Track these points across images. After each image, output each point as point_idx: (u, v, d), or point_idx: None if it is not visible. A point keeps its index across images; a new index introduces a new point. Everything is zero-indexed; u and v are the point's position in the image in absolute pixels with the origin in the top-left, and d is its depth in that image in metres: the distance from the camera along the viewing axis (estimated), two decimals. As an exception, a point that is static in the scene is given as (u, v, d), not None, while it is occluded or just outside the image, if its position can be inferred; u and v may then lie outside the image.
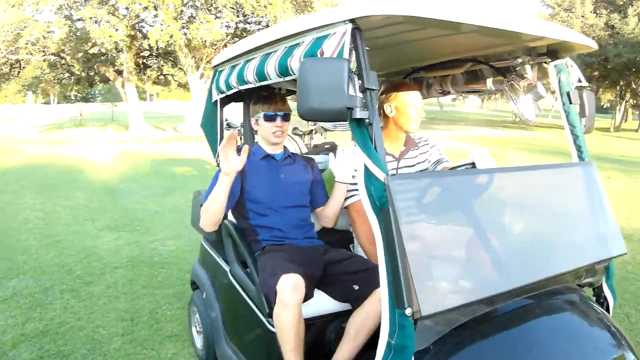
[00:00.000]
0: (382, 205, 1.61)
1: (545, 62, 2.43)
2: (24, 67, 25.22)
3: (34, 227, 6.73)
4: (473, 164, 2.16)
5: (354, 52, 1.73)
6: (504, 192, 1.96)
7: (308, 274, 2.24)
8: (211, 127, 3.16)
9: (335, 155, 2.64)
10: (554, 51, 2.35)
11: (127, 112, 24.82)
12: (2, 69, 23.60)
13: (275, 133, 2.64)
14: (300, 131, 5.64)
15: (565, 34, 2.14)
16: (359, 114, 1.65)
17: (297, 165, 2.81)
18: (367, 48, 1.80)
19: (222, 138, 3.09)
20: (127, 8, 18.94)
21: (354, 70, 1.71)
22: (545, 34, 2.06)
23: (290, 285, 2.07)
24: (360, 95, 1.67)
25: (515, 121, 25.75)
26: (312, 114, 1.65)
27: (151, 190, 9.22)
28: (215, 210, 2.38)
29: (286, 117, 2.67)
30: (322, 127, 4.76)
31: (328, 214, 2.76)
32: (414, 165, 2.73)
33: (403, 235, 1.53)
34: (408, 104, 2.55)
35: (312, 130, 5.32)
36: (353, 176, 2.58)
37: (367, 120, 1.67)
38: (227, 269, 2.84)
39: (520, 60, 2.44)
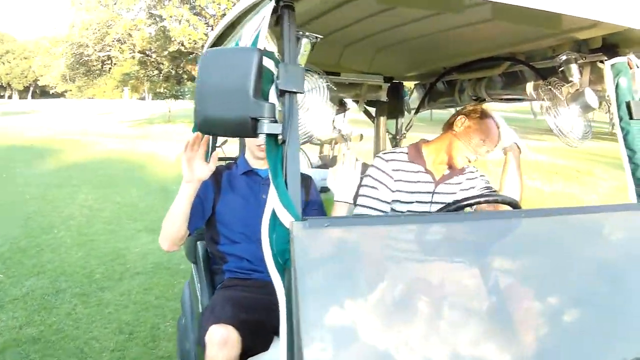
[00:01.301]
0: (286, 264, 1.08)
1: (600, 61, 1.74)
2: (115, 64, 26.68)
3: (74, 224, 6.72)
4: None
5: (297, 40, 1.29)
6: (500, 253, 1.30)
7: (262, 321, 1.81)
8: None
9: (334, 170, 2.12)
10: (612, 45, 1.68)
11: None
12: (94, 65, 25.10)
13: (260, 146, 2.20)
14: (319, 140, 5.11)
15: (627, 18, 1.47)
16: (266, 127, 1.12)
17: None
18: (317, 36, 1.28)
19: (214, 147, 2.67)
20: (204, 7, 19.35)
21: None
22: (596, 17, 1.41)
23: (217, 338, 1.67)
24: (274, 101, 1.14)
25: (612, 132, 23.44)
26: (209, 125, 1.19)
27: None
28: (173, 225, 1.99)
29: None
30: (342, 136, 4.19)
31: None
32: (454, 193, 2.22)
33: (302, 320, 0.97)
34: (479, 139, 2.07)
35: (333, 139, 4.80)
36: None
37: (279, 137, 1.13)
38: (199, 296, 2.41)
39: (564, 58, 1.77)
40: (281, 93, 1.16)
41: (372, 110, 3.14)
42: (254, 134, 1.15)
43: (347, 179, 1.98)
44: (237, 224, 2.19)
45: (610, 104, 1.75)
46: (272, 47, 1.34)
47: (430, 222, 1.26)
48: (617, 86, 1.66)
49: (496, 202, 1.70)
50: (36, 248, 5.59)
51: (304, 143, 1.45)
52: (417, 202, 2.17)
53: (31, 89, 67.96)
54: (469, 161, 2.09)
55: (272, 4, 1.22)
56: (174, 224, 1.98)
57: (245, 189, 2.25)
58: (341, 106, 3.46)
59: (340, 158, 1.93)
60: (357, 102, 3.04)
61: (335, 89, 1.49)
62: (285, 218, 1.10)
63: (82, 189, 9.01)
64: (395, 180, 2.16)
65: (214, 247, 2.26)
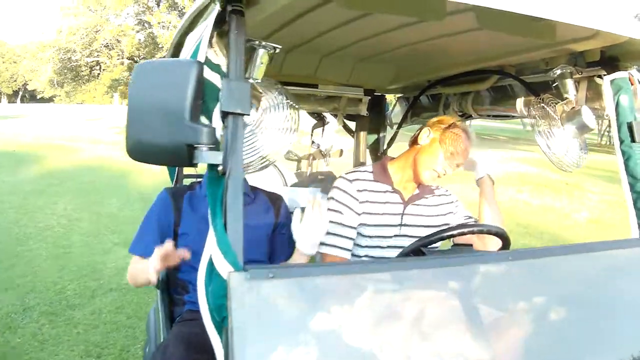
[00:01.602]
0: (223, 322, 0.90)
1: (598, 76, 1.57)
2: (103, 70, 26.43)
3: (51, 235, 6.48)
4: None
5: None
6: (481, 307, 1.10)
7: None
8: None
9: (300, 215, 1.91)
10: (612, 58, 1.51)
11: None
12: (82, 70, 24.85)
13: None
14: (296, 156, 4.90)
15: (629, 27, 1.30)
16: (204, 156, 0.92)
17: (255, 205, 2.15)
18: (275, 46, 1.10)
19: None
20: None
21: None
22: (594, 26, 1.24)
23: None
24: (215, 125, 0.94)
25: (600, 143, 23.39)
26: (141, 152, 1.00)
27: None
28: (136, 282, 1.89)
29: None
30: (320, 152, 3.98)
31: None
32: (427, 216, 2.05)
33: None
34: (448, 152, 1.89)
35: (311, 155, 4.61)
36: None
37: (219, 168, 0.94)
38: (160, 326, 2.21)
39: (558, 72, 1.59)
40: (223, 115, 0.97)
41: (353, 124, 2.97)
42: (191, 164, 0.96)
43: (313, 228, 1.78)
44: (199, 251, 1.99)
45: (605, 119, 1.57)
46: (223, 59, 1.15)
47: (399, 268, 1.05)
48: (617, 105, 1.49)
49: (481, 232, 1.52)
50: (8, 261, 5.36)
51: (261, 169, 1.26)
52: (385, 225, 2.00)
53: (20, 93, 67.34)
54: (438, 176, 1.92)
55: (217, 8, 1.03)
56: (137, 283, 1.87)
57: (207, 213, 2.05)
58: (320, 120, 3.27)
59: (311, 201, 1.73)
60: (335, 115, 2.85)
61: (297, 106, 1.30)
62: (223, 267, 0.91)
63: (63, 198, 8.74)
64: (360, 202, 1.98)
65: (175, 274, 2.06)
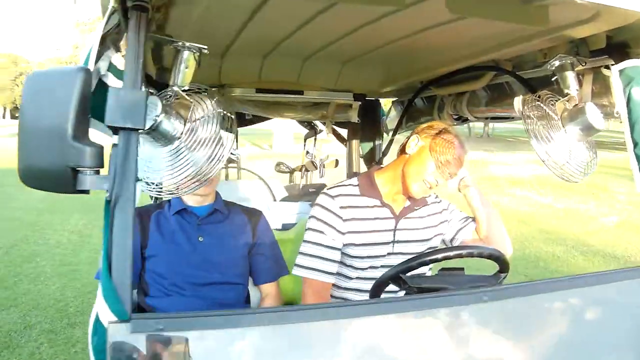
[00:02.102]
0: None
1: (605, 66, 1.34)
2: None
3: (60, 251, 6.43)
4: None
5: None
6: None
7: None
8: None
9: None
10: (620, 44, 1.27)
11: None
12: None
13: None
14: (287, 168, 4.70)
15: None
16: (89, 182, 0.74)
17: (229, 223, 1.98)
18: (202, 47, 0.92)
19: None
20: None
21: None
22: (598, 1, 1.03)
23: None
24: (102, 143, 0.76)
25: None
26: (31, 177, 0.85)
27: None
28: None
29: None
30: (312, 163, 3.76)
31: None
32: (421, 229, 1.86)
33: None
34: (439, 161, 1.69)
35: (303, 166, 4.41)
36: None
37: (106, 196, 0.75)
38: None
39: (557, 63, 1.36)
40: (113, 130, 0.78)
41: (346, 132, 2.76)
42: (76, 190, 0.77)
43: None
44: (168, 274, 1.84)
45: (615, 117, 1.34)
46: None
47: (351, 315, 0.83)
48: (628, 99, 1.25)
49: (471, 255, 1.30)
50: (14, 278, 5.29)
51: (187, 193, 1.06)
52: (376, 243, 1.80)
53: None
54: (430, 188, 1.71)
55: (112, 3, 0.84)
56: None
57: (177, 231, 1.89)
58: (311, 129, 3.07)
59: None
60: (324, 123, 2.65)
61: (232, 116, 1.10)
62: (105, 315, 0.72)
63: (75, 214, 8.72)
64: (344, 220, 1.78)
65: (142, 299, 1.90)
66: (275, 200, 2.62)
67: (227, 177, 4.73)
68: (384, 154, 2.42)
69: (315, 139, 3.49)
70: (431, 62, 1.93)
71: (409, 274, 1.29)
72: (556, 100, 1.39)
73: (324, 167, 3.77)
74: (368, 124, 2.63)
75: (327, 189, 1.85)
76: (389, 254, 1.80)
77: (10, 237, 7.05)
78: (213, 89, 2.20)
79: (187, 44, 1.00)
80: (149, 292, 1.87)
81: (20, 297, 4.77)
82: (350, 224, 1.79)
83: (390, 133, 2.51)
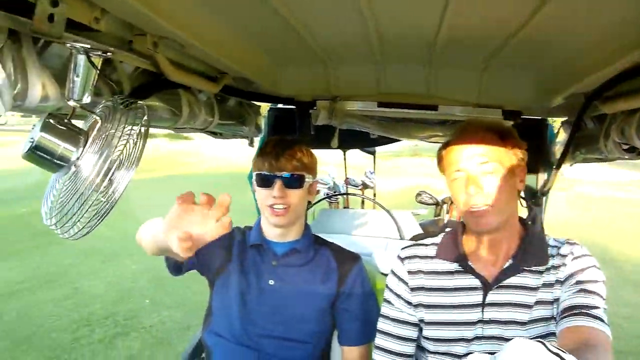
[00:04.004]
0: None
1: None
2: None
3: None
4: None
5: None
6: None
7: None
8: None
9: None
10: None
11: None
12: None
13: (272, 208, 1.58)
14: (431, 199, 3.88)
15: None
16: None
17: (312, 266, 1.68)
18: (107, 50, 0.73)
19: None
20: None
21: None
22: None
23: None
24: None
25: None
26: None
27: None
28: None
29: (294, 182, 1.60)
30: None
31: None
32: (524, 306, 1.29)
33: None
34: (452, 170, 1.31)
35: (449, 198, 3.63)
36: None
37: None
38: None
39: None
40: None
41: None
42: None
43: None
44: (229, 314, 1.63)
45: None
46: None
47: None
48: None
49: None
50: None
51: (98, 222, 0.80)
52: (455, 323, 1.32)
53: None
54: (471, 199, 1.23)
55: None
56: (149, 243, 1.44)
57: (250, 269, 1.66)
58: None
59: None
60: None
61: (145, 125, 0.80)
62: None
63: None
64: (412, 289, 1.37)
65: (206, 328, 1.73)
66: (402, 238, 2.18)
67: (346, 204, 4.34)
68: (542, 191, 1.79)
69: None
70: (593, 62, 1.30)
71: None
72: None
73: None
74: (529, 150, 2.02)
75: (402, 249, 1.45)
76: (476, 338, 1.28)
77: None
78: (324, 102, 1.94)
79: (82, 45, 0.76)
80: (211, 326, 1.69)
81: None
82: (420, 295, 1.37)
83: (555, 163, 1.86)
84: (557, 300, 1.25)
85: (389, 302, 1.43)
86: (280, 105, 2.22)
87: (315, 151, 1.71)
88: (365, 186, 4.69)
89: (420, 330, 1.40)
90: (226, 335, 1.62)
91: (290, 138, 1.76)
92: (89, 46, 0.78)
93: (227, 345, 1.62)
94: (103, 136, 0.78)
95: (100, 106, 0.86)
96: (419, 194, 4.14)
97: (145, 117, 0.81)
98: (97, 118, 0.82)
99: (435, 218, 3.82)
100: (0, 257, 5.94)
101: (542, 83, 1.68)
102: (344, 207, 4.21)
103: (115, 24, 0.98)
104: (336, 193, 4.19)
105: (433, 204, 4.04)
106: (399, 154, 28.02)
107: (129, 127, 0.77)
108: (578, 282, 1.22)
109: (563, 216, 9.15)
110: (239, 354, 1.60)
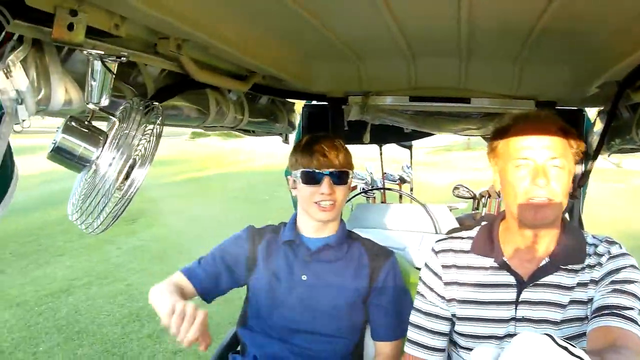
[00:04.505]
0: None
1: None
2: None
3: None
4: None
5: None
6: None
7: None
8: None
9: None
10: None
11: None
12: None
13: (319, 204, 1.60)
14: (469, 193, 3.71)
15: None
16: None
17: (345, 261, 1.68)
18: (121, 55, 0.77)
19: None
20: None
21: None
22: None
23: None
24: None
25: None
26: None
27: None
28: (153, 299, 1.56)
29: (341, 178, 1.61)
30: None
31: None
32: (558, 306, 1.26)
33: None
34: (515, 157, 1.23)
35: (487, 192, 3.46)
36: None
37: None
38: None
39: None
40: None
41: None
42: None
43: None
44: (264, 311, 1.66)
45: None
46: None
47: None
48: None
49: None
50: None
51: (117, 216, 0.84)
52: (488, 319, 1.29)
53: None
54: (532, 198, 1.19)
55: None
56: (154, 300, 1.53)
57: (282, 265, 1.67)
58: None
59: None
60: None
61: (159, 123, 0.83)
62: None
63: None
64: (445, 284, 1.34)
65: (240, 327, 1.76)
66: (437, 232, 2.15)
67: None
68: (580, 183, 1.71)
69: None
70: (623, 48, 1.25)
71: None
72: None
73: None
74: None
75: (436, 242, 1.43)
76: (508, 335, 1.25)
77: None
78: (356, 97, 1.94)
79: (98, 52, 0.80)
80: (245, 322, 1.72)
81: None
82: (453, 289, 1.34)
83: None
84: (591, 300, 1.21)
85: (422, 295, 1.41)
86: (314, 102, 2.24)
87: (350, 147, 1.71)
88: (402, 181, 4.66)
89: (453, 324, 1.38)
90: (259, 329, 1.66)
91: (329, 135, 1.77)
92: (102, 52, 0.82)
93: (260, 339, 1.65)
94: (121, 136, 0.82)
95: (121, 108, 0.91)
96: (456, 188, 4.04)
97: (160, 118, 0.84)
98: (115, 119, 0.87)
99: (473, 212, 3.74)
100: (54, 255, 6.25)
101: (575, 72, 1.63)
102: (381, 202, 4.19)
103: (137, 29, 1.02)
104: (372, 188, 4.18)
105: (471, 198, 3.94)
106: (450, 148, 27.40)
107: (144, 127, 0.81)
108: (613, 282, 1.18)
109: (619, 210, 8.68)
110: (272, 347, 1.62)
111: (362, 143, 2.11)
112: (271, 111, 2.02)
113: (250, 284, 1.70)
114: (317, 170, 1.57)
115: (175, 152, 20.62)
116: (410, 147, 4.59)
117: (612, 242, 1.28)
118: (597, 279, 1.22)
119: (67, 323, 4.26)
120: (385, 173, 4.51)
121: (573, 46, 1.44)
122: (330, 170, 1.57)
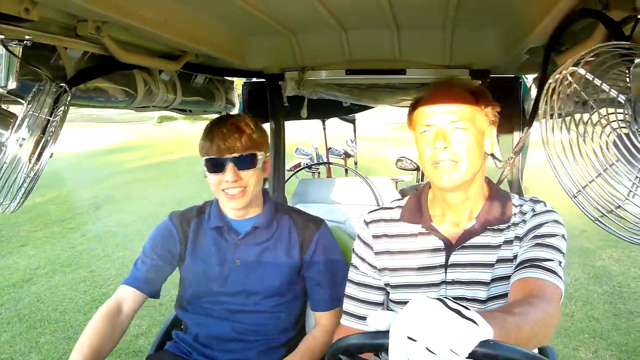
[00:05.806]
0: None
1: None
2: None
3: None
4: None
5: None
6: None
7: None
8: None
9: None
10: None
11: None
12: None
13: (226, 192, 1.57)
14: (412, 164, 3.87)
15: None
16: None
17: (275, 239, 1.68)
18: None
19: None
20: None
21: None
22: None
23: None
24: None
25: None
26: None
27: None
28: None
29: (247, 163, 1.55)
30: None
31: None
32: (486, 265, 1.30)
33: None
34: (421, 125, 1.31)
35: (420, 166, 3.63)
36: None
37: None
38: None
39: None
40: None
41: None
42: None
43: None
44: (203, 295, 1.68)
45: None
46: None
47: None
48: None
49: None
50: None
51: (26, 196, 0.87)
52: (418, 284, 1.35)
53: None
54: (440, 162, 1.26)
55: None
56: None
57: (213, 251, 1.66)
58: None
59: None
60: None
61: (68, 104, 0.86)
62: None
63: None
64: (376, 253, 1.40)
65: (180, 312, 1.77)
66: (379, 204, 2.21)
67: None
68: (516, 150, 1.79)
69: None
70: (540, 11, 1.30)
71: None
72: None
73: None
74: (503, 109, 2.01)
75: (367, 213, 1.47)
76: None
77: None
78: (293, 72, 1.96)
79: None
80: (184, 306, 1.73)
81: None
82: (384, 259, 1.39)
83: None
84: (516, 257, 1.26)
85: (355, 266, 1.45)
86: (254, 80, 2.25)
87: (295, 123, 1.73)
88: (347, 155, 4.73)
89: (388, 294, 1.42)
90: (198, 311, 1.67)
91: (236, 115, 1.73)
92: (3, 37, 0.83)
93: (200, 320, 1.67)
94: (29, 118, 0.85)
95: (33, 91, 0.93)
96: (399, 160, 4.13)
97: (69, 99, 0.87)
98: (23, 102, 0.89)
99: (416, 184, 3.83)
100: (17, 245, 6.17)
101: (504, 38, 1.68)
102: (327, 177, 4.26)
103: (53, 12, 1.03)
104: (315, 163, 4.23)
105: (414, 169, 4.04)
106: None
107: (52, 109, 0.84)
108: (535, 237, 1.24)
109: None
110: (213, 327, 1.64)
111: (300, 118, 2.14)
112: (208, 90, 2.02)
113: (184, 269, 1.70)
114: (218, 157, 1.52)
115: (141, 137, 20.21)
116: (353, 121, 4.62)
117: (536, 201, 1.34)
118: (521, 236, 1.28)
119: (29, 312, 4.22)
120: (330, 148, 4.55)
121: (498, 10, 1.48)
122: (233, 155, 1.51)
